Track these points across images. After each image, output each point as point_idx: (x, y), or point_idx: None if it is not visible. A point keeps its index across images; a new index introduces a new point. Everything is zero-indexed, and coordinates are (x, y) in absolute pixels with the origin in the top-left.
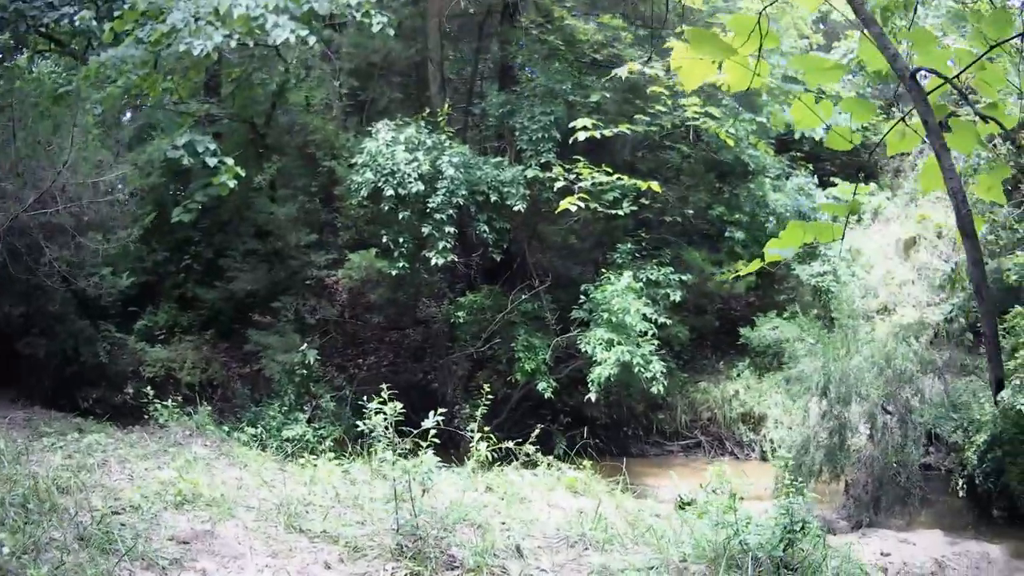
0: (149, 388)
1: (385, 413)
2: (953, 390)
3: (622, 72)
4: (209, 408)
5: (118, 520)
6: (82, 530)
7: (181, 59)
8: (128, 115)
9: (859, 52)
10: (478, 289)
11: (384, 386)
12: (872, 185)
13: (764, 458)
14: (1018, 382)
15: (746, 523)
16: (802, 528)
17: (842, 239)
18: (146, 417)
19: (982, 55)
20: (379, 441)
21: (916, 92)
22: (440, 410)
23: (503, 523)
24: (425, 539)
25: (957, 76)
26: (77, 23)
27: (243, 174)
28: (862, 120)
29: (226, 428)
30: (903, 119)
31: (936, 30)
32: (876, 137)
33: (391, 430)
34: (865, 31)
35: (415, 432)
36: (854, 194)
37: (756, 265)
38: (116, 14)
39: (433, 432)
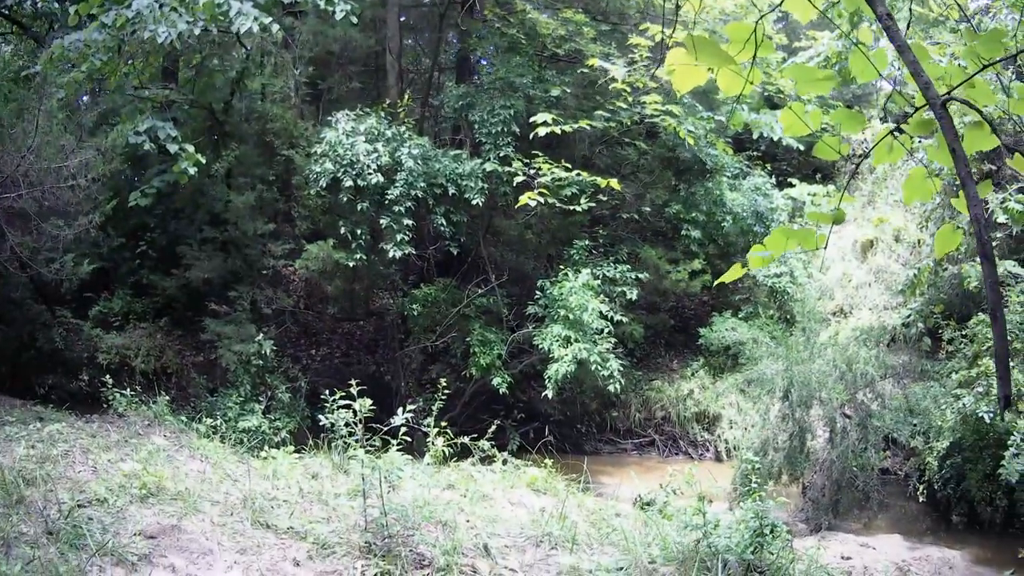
0: (107, 377)
1: (354, 409)
2: (912, 395)
3: (614, 70)
4: (167, 398)
5: (85, 513)
6: (50, 524)
7: (143, 44)
8: (86, 99)
9: (851, 65)
10: (432, 282)
11: (353, 381)
12: (830, 187)
13: (719, 458)
14: (980, 389)
15: (715, 525)
16: (771, 531)
17: (825, 247)
18: (104, 406)
19: (975, 74)
20: (343, 437)
21: (946, 121)
22: (396, 404)
23: (468, 521)
24: (393, 537)
25: (949, 93)
26: (39, 5)
27: (203, 161)
28: (852, 131)
29: (184, 418)
30: (892, 132)
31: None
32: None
33: (361, 427)
34: (900, 56)
35: (384, 429)
36: (839, 203)
37: (739, 271)
38: None
39: (402, 428)
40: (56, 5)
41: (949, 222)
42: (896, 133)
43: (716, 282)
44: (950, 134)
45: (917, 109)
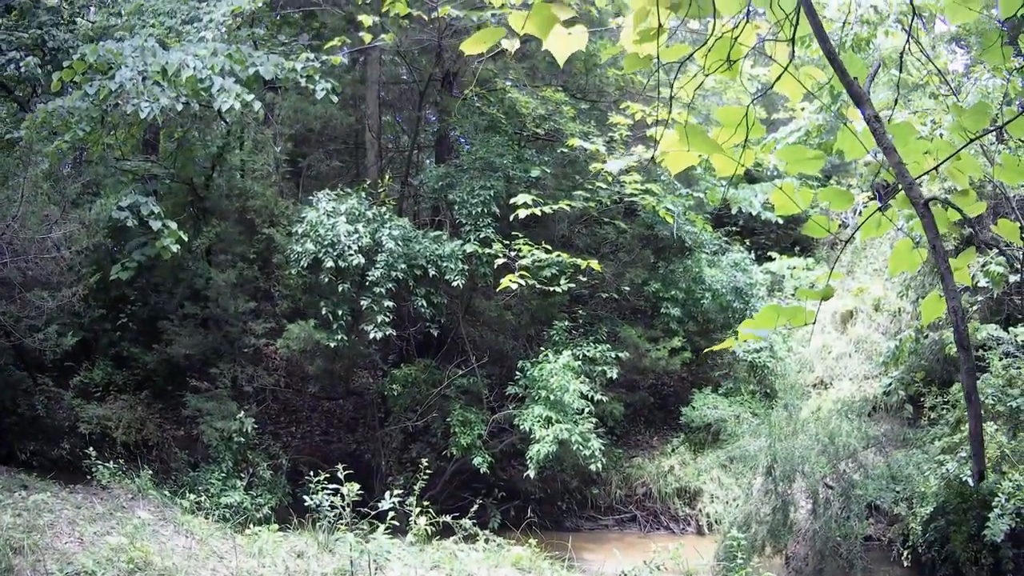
0: (90, 448)
1: (342, 494)
2: (894, 462)
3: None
4: (150, 472)
5: None
6: None
7: (126, 116)
8: (68, 169)
9: (839, 142)
10: (413, 362)
11: (340, 466)
12: (809, 259)
13: (700, 532)
14: (964, 454)
15: None
16: None
17: (814, 323)
18: (87, 476)
19: (960, 149)
20: (328, 518)
21: (928, 220)
22: (377, 483)
23: None
24: None
25: (936, 168)
26: (23, 69)
27: (185, 239)
28: (840, 208)
29: (167, 492)
30: (880, 210)
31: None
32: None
33: (348, 510)
34: (886, 158)
35: (371, 514)
36: (828, 280)
37: (730, 342)
38: (65, 64)
39: (391, 512)
40: (39, 71)
41: (934, 290)
42: (882, 210)
43: (707, 349)
44: (931, 231)
45: (900, 189)
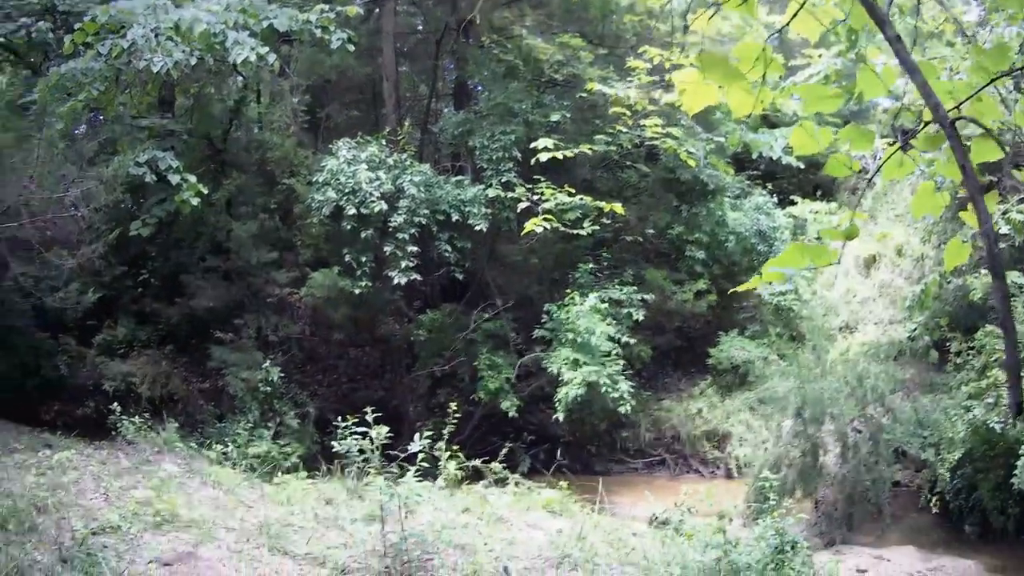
0: (114, 404)
1: (371, 437)
2: (921, 407)
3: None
4: (175, 425)
5: (99, 541)
6: (64, 552)
7: (140, 74)
8: (83, 128)
9: (859, 82)
10: (438, 308)
11: (369, 410)
12: (832, 203)
13: (729, 476)
14: (991, 400)
15: (735, 544)
16: (792, 548)
17: (838, 263)
18: (112, 432)
19: (982, 87)
20: (357, 464)
21: (955, 140)
22: (404, 429)
23: (486, 544)
24: (412, 562)
25: (958, 107)
26: (34, 35)
27: (205, 192)
28: (861, 148)
29: (193, 445)
30: (901, 147)
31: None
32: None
33: (377, 454)
34: (910, 77)
35: (400, 457)
36: (852, 219)
37: (756, 282)
38: (76, 26)
39: (421, 456)
40: (51, 35)
41: (954, 235)
42: (904, 149)
43: (732, 290)
44: (960, 152)
45: (925, 124)
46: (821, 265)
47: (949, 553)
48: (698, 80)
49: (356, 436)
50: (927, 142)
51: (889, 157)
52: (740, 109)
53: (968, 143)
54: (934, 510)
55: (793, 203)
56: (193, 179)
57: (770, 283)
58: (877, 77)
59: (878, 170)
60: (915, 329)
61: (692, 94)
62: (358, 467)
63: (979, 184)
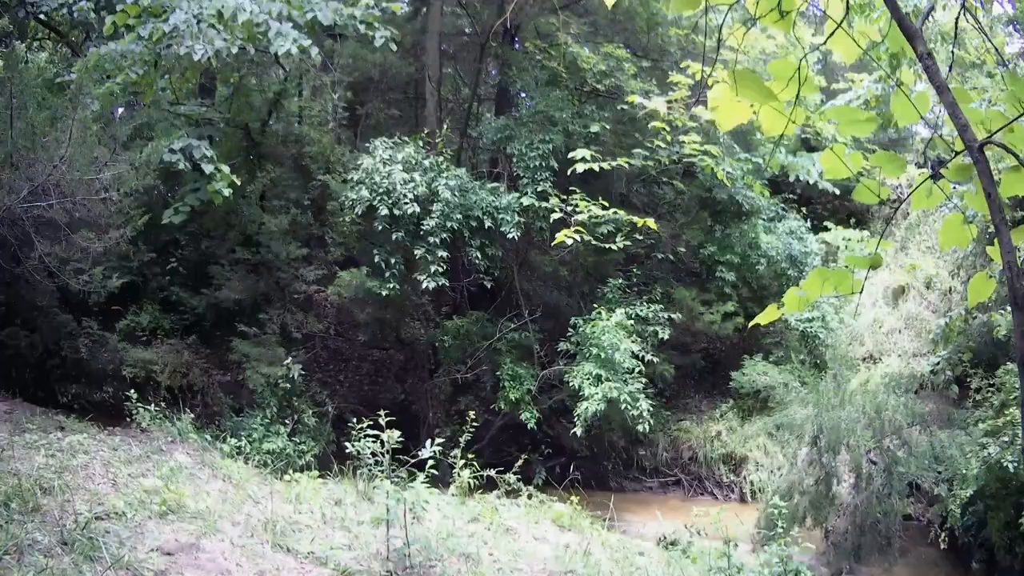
0: (132, 391)
1: (382, 440)
2: (938, 442)
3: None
4: (191, 415)
5: (102, 526)
6: (65, 534)
7: (180, 60)
8: (120, 112)
9: (892, 108)
10: (465, 314)
11: (382, 412)
12: (864, 232)
13: (743, 499)
14: (1006, 438)
15: (738, 569)
16: None
17: (860, 292)
18: (128, 420)
19: (1015, 119)
20: (369, 465)
21: (982, 165)
22: (423, 433)
23: (491, 555)
24: (415, 568)
25: (990, 138)
26: (76, 13)
27: (238, 183)
28: (892, 175)
29: (208, 437)
30: (932, 176)
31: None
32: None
33: (387, 457)
34: (939, 96)
35: (410, 462)
36: (877, 248)
37: (774, 312)
38: (119, 7)
39: (431, 463)
40: (93, 15)
41: (982, 270)
42: (934, 178)
43: (752, 323)
44: (986, 178)
45: (956, 154)
46: (844, 292)
47: None
48: (731, 97)
49: (369, 438)
50: (958, 172)
51: (919, 186)
52: (772, 128)
53: (999, 176)
54: (943, 545)
55: (827, 229)
56: (227, 169)
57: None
58: (911, 102)
59: (906, 199)
60: (938, 363)
61: (725, 111)
62: (369, 469)
63: (1004, 213)
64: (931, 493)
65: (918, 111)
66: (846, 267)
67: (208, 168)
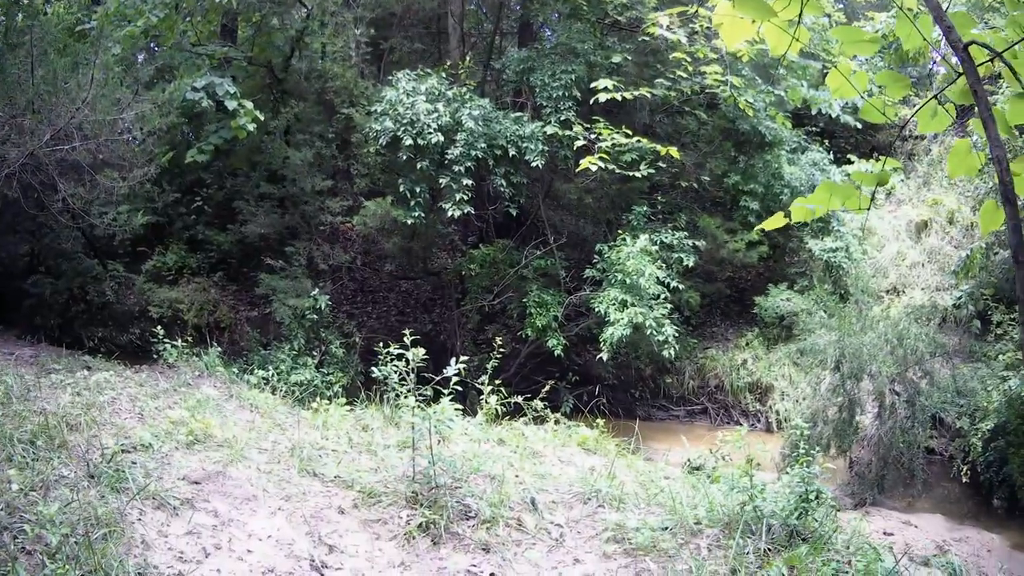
0: (158, 328)
1: (407, 359)
2: (960, 375)
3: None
4: (219, 350)
5: (128, 458)
6: (92, 468)
7: (200, 2)
8: (142, 55)
9: (896, 29)
10: (491, 243)
11: (406, 331)
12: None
13: (769, 429)
14: None
15: (760, 490)
16: (816, 497)
17: (869, 209)
18: (155, 357)
19: (1015, 43)
20: (394, 389)
21: (968, 64)
22: (448, 361)
23: (517, 476)
24: (440, 488)
25: (993, 58)
26: None
27: (261, 118)
28: (896, 95)
29: (235, 370)
30: (936, 97)
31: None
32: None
33: (413, 375)
34: (924, 5)
35: (435, 380)
36: (883, 165)
37: (780, 220)
38: None
39: (454, 381)
40: None
41: (992, 200)
42: (938, 99)
43: (757, 228)
44: (972, 76)
45: (959, 75)
46: (851, 208)
47: (976, 525)
48: (733, 13)
49: (395, 364)
50: (962, 95)
51: (923, 106)
52: (776, 48)
53: (1004, 100)
54: (965, 480)
55: (850, 162)
56: (250, 105)
57: (821, 239)
58: (911, 22)
59: (910, 118)
60: (960, 297)
61: (728, 28)
62: (396, 394)
63: (991, 108)
64: (953, 427)
65: (920, 32)
66: (853, 182)
67: (231, 104)
